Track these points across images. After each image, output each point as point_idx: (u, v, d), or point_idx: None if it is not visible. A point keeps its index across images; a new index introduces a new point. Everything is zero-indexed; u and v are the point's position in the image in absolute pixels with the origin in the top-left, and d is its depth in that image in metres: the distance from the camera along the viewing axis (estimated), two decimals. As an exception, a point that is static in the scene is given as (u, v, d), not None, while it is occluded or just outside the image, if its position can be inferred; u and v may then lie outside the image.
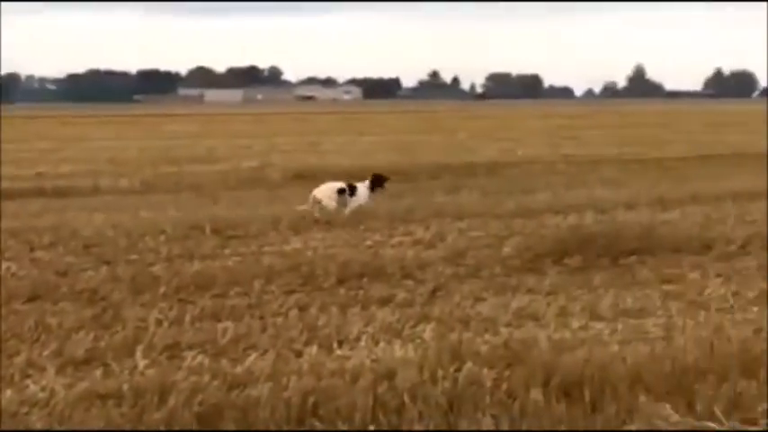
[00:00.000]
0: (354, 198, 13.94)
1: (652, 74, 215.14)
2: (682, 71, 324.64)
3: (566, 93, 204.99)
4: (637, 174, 21.74)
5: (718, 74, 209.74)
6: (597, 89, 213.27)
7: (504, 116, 69.07)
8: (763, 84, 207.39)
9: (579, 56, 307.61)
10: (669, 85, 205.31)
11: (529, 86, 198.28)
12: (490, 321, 8.10)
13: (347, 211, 13.85)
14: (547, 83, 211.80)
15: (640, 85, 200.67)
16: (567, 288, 9.36)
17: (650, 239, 11.25)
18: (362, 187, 14.10)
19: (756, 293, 9.02)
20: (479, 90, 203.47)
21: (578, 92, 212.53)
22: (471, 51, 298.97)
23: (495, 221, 13.48)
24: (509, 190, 18.01)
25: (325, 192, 13.79)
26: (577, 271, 10.15)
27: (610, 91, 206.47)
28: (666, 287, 9.40)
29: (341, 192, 13.85)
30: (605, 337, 7.49)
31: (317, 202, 13.68)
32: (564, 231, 11.83)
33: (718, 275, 9.83)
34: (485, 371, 6.25)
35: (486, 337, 7.49)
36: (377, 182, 14.29)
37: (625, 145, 32.10)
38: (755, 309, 8.39)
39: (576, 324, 7.96)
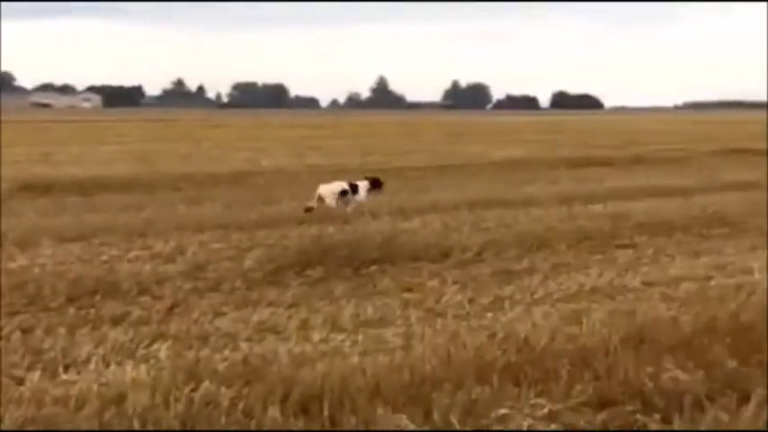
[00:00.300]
0: (357, 196, 15.49)
1: (394, 86, 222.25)
2: (422, 83, 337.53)
3: (311, 103, 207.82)
4: (379, 183, 22.01)
5: (455, 86, 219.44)
6: (342, 100, 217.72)
7: (250, 126, 68.86)
8: (496, 96, 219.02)
9: (324, 67, 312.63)
10: (410, 97, 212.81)
11: (275, 96, 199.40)
12: (230, 337, 7.86)
13: (349, 208, 15.29)
14: (293, 93, 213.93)
15: (383, 96, 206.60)
16: (308, 300, 9.26)
17: (391, 249, 11.38)
18: (362, 187, 15.65)
19: (491, 299, 9.28)
20: (225, 99, 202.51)
21: (324, 102, 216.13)
22: (217, 60, 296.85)
23: (237, 233, 13.21)
24: (253, 201, 17.78)
25: (329, 190, 15.19)
26: (319, 282, 10.08)
27: (354, 102, 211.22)
28: (406, 296, 9.50)
29: (344, 192, 15.30)
30: (346, 348, 7.44)
31: (321, 200, 15.00)
32: (306, 242, 11.76)
33: (455, 283, 10.04)
34: (222, 389, 6.01)
35: (225, 353, 7.25)
36: (375, 184, 15.92)
37: (368, 155, 32.68)
38: (489, 315, 8.61)
39: (317, 336, 7.86)
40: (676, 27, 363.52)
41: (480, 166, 28.04)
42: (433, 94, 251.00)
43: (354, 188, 15.53)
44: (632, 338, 7.11)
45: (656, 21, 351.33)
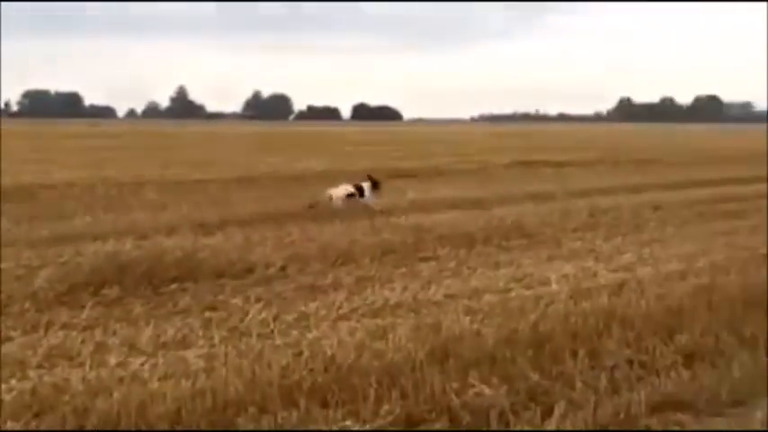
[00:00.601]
0: (367, 197, 17.16)
1: (194, 95, 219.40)
2: (223, 93, 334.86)
3: (108, 112, 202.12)
4: (179, 196, 21.42)
5: (256, 96, 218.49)
6: (140, 109, 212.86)
7: (41, 135, 66.01)
8: (297, 107, 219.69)
9: (120, 75, 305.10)
10: (211, 107, 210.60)
11: (69, 105, 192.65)
12: (17, 365, 7.34)
13: (372, 204, 17.20)
14: (88, 101, 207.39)
15: (183, 106, 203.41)
16: (104, 321, 8.81)
17: (191, 265, 11.01)
18: (366, 187, 17.34)
19: (296, 316, 9.11)
20: (15, 107, 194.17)
21: (121, 112, 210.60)
22: (6, 67, 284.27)
23: (27, 251, 12.48)
24: (44, 215, 16.92)
25: (337, 193, 16.86)
26: (116, 302, 9.62)
27: (153, 111, 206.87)
28: (209, 314, 9.18)
29: (350, 195, 16.91)
30: (145, 373, 7.08)
31: (330, 199, 16.70)
32: (101, 259, 11.18)
33: (259, 300, 9.80)
34: (8, 423, 5.61)
35: (12, 383, 6.76)
36: (375, 185, 17.57)
37: (168, 166, 31.88)
38: (295, 332, 8.43)
39: (113, 361, 7.46)
40: (474, 45, 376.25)
41: (281, 178, 27.85)
42: (235, 104, 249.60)
43: (360, 190, 17.13)
44: (438, 353, 7.12)
45: (452, 39, 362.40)
